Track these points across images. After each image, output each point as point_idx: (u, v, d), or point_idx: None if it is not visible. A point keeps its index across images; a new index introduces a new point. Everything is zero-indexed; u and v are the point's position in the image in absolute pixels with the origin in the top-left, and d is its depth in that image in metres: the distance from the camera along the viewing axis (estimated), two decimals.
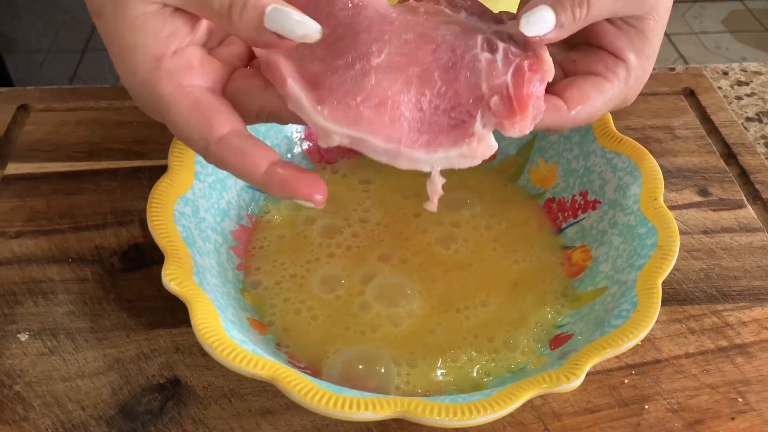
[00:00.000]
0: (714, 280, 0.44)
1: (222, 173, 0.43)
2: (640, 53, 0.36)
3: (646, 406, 0.38)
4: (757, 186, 0.50)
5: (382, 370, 0.37)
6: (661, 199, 0.39)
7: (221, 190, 0.42)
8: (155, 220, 0.37)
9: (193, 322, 0.33)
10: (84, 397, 0.37)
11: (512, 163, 0.48)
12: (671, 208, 0.48)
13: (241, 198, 0.44)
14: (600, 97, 0.35)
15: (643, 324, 0.33)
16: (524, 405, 0.37)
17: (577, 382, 0.31)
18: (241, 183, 0.44)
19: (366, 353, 0.38)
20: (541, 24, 0.33)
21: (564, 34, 0.33)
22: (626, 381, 0.39)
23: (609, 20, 0.36)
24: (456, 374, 0.37)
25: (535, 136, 0.47)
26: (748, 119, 0.57)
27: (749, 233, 0.46)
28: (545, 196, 0.46)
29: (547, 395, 0.38)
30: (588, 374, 0.39)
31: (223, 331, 0.33)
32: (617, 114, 0.55)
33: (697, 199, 0.48)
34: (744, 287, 0.43)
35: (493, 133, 0.44)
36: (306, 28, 0.30)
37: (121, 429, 0.36)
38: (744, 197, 0.49)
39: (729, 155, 0.52)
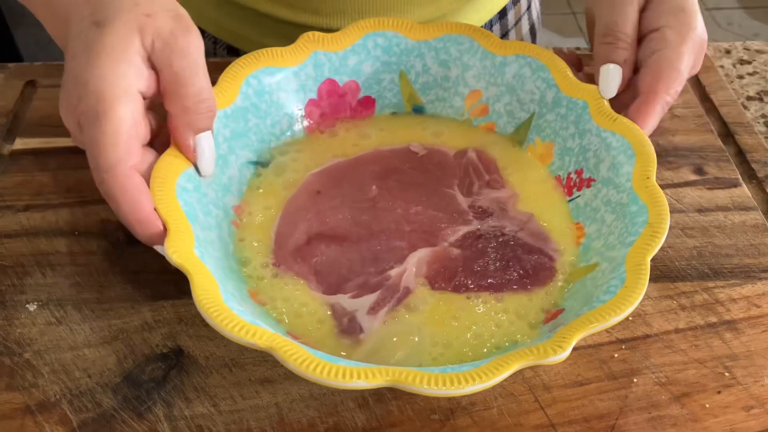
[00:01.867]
0: (706, 257, 0.44)
1: (223, 149, 0.44)
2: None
3: (635, 380, 0.39)
4: (754, 165, 0.50)
5: (416, 339, 0.38)
6: (654, 177, 0.40)
7: (223, 166, 0.43)
8: (158, 195, 0.38)
9: (193, 293, 0.34)
10: (90, 365, 0.39)
11: (509, 141, 0.48)
12: (667, 186, 0.48)
13: (242, 173, 0.45)
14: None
15: (630, 299, 0.34)
16: (515, 377, 0.38)
17: (563, 354, 0.32)
18: (243, 158, 0.45)
19: (394, 330, 0.39)
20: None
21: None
22: (616, 355, 0.40)
23: None
24: (481, 350, 0.38)
25: (533, 114, 0.47)
26: (749, 98, 0.57)
27: (743, 212, 0.47)
28: None
29: (538, 368, 0.39)
30: (578, 348, 0.40)
31: (223, 302, 0.34)
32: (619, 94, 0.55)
33: (693, 177, 0.49)
34: (736, 265, 0.44)
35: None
36: (204, 172, 0.41)
37: (126, 396, 0.37)
38: (740, 176, 0.49)
39: (727, 134, 0.52)
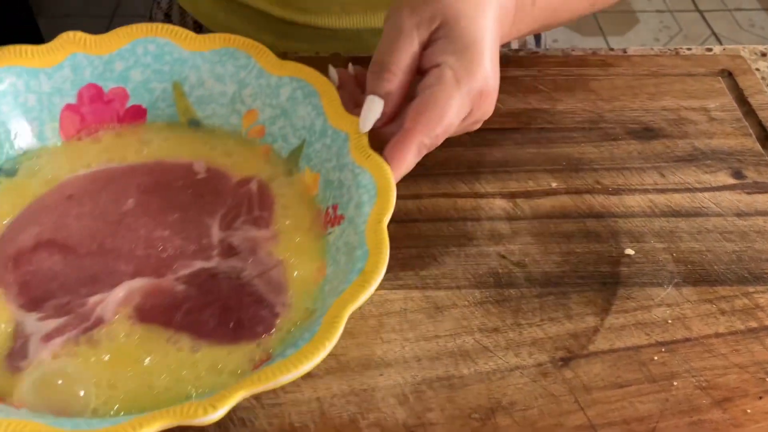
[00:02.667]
0: (746, 262, 0.44)
1: None
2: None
3: (675, 383, 0.39)
4: None
5: (81, 384, 0.35)
6: (385, 222, 0.37)
7: None
8: None
9: None
10: None
11: (284, 164, 0.46)
12: (705, 189, 0.48)
13: None
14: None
15: (306, 359, 0.32)
16: (555, 378, 0.38)
17: (213, 416, 0.30)
18: None
19: (61, 367, 0.36)
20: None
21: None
22: (656, 358, 0.40)
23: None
24: (159, 398, 0.35)
25: (304, 141, 0.45)
26: None
27: None
28: None
29: (578, 369, 0.39)
30: (618, 350, 0.40)
31: None
32: (653, 93, 0.55)
33: (731, 181, 0.49)
34: None
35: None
36: None
37: None
38: None
39: (765, 138, 0.52)
